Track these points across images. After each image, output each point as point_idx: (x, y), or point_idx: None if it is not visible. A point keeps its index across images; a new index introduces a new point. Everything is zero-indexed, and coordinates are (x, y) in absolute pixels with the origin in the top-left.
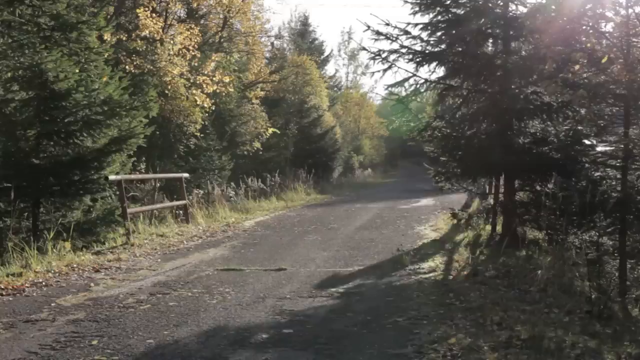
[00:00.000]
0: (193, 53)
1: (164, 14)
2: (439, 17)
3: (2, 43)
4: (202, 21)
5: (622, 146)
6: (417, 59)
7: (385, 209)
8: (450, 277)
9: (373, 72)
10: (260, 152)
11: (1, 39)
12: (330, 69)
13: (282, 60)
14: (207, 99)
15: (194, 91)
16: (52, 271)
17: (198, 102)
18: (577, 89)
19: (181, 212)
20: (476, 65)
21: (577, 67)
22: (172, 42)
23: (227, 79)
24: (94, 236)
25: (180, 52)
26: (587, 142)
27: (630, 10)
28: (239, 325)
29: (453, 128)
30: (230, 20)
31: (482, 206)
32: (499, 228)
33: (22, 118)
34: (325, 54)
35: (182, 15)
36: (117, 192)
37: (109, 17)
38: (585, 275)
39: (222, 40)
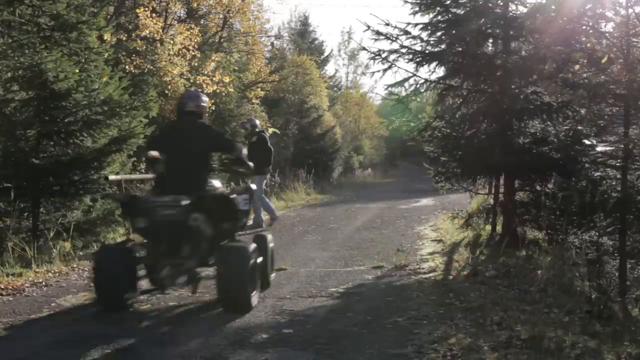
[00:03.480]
0: (193, 53)
1: (164, 14)
2: (439, 17)
3: (2, 43)
4: (202, 21)
5: (622, 146)
6: (417, 59)
7: (385, 209)
8: (450, 277)
9: (373, 72)
10: None
11: (1, 39)
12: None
13: (282, 60)
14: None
15: None
16: (52, 271)
17: None
18: (577, 89)
19: None
20: (476, 65)
21: (577, 67)
22: (172, 42)
23: (227, 79)
24: (94, 236)
25: (180, 52)
26: (587, 142)
27: (630, 10)
28: (239, 325)
29: (453, 128)
30: (230, 20)
31: (482, 206)
32: (499, 228)
33: (22, 118)
34: (325, 54)
35: (182, 15)
36: (118, 192)
37: (109, 17)
38: (585, 275)
39: (222, 40)
